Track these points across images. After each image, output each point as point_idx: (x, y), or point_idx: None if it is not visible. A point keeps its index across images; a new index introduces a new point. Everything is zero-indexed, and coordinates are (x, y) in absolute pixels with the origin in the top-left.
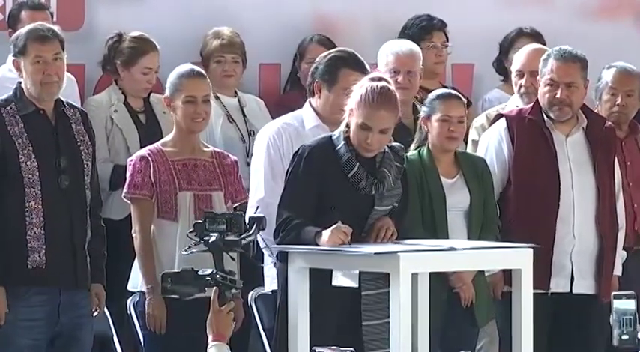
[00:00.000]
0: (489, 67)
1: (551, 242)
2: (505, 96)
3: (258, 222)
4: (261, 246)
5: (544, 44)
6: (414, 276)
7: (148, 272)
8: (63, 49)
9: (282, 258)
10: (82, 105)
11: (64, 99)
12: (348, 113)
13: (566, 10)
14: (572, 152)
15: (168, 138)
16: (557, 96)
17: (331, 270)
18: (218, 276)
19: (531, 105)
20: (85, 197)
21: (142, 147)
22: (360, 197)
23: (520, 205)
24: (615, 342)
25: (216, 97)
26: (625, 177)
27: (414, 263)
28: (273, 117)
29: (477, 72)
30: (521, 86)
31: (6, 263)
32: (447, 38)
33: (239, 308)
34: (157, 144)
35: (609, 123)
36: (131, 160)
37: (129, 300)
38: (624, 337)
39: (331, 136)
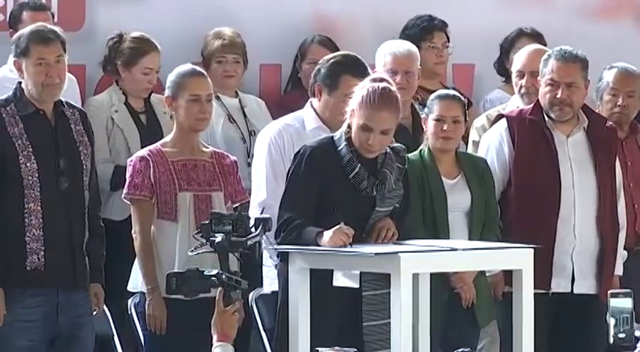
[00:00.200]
0: (490, 67)
1: (552, 242)
2: (506, 96)
3: (264, 223)
4: (264, 246)
5: (544, 44)
6: (415, 277)
7: (148, 272)
8: (64, 51)
9: (282, 258)
10: (82, 105)
11: (63, 100)
12: (349, 114)
13: (567, 10)
14: (573, 152)
15: (167, 138)
16: (558, 96)
17: (332, 271)
18: (224, 277)
19: (532, 105)
20: (83, 198)
21: (142, 147)
22: (361, 198)
23: (521, 205)
24: (612, 340)
25: (217, 97)
26: (625, 177)
27: (415, 263)
28: (273, 118)
29: (477, 72)
30: (521, 86)
31: (3, 265)
32: (448, 38)
33: (239, 309)
34: (157, 145)
35: (610, 123)
36: (131, 161)
37: (129, 301)
38: (621, 335)
39: (332, 137)
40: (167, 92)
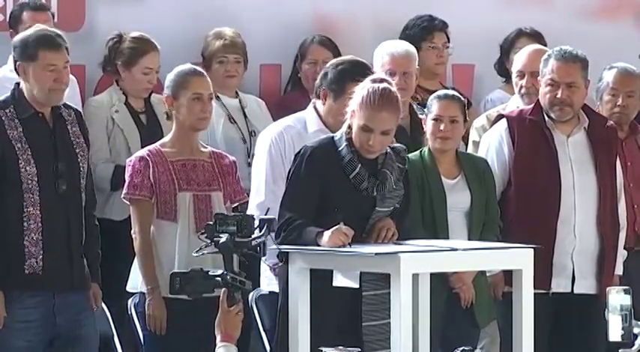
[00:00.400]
0: (490, 67)
1: (552, 242)
2: (507, 96)
3: (269, 224)
4: (268, 247)
5: (544, 44)
6: (415, 277)
7: (147, 272)
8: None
9: (282, 258)
10: (82, 105)
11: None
12: (349, 114)
13: (567, 10)
14: (573, 152)
15: (166, 138)
16: (558, 96)
17: (332, 271)
18: (228, 277)
19: (532, 105)
20: (80, 200)
21: (143, 147)
22: (362, 198)
23: (521, 205)
24: (610, 338)
25: (217, 98)
26: (625, 177)
27: (415, 263)
28: (274, 118)
29: (477, 72)
30: (521, 87)
31: (4, 267)
32: (448, 39)
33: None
34: (156, 145)
35: (611, 122)
36: (130, 161)
37: (129, 301)
38: (619, 332)
39: (333, 137)
40: (167, 91)
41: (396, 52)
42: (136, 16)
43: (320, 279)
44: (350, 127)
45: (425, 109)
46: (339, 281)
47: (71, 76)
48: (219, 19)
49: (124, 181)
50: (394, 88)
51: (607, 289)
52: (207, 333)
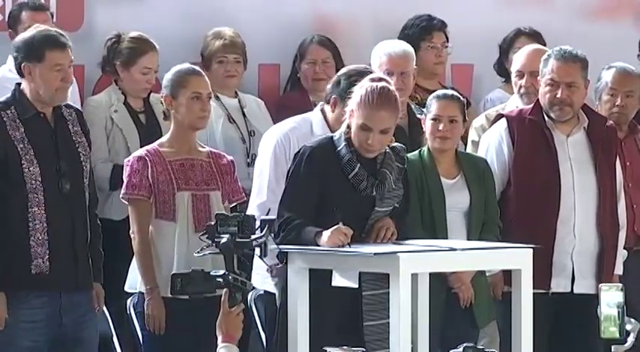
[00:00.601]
0: (489, 67)
1: (551, 242)
2: (507, 96)
3: (270, 224)
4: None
5: (543, 44)
6: (414, 277)
7: (146, 272)
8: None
9: (282, 258)
10: (81, 105)
11: None
12: (348, 114)
13: (566, 10)
14: (573, 152)
15: (164, 138)
16: (558, 96)
17: (331, 270)
18: (230, 278)
19: (532, 105)
20: (84, 199)
21: (142, 147)
22: (361, 198)
23: (520, 205)
24: (603, 335)
25: (217, 98)
26: (624, 177)
27: (414, 263)
28: (273, 118)
29: (476, 72)
30: (521, 86)
31: (8, 268)
32: (447, 39)
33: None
34: (154, 145)
35: (611, 122)
36: (128, 161)
37: (128, 301)
38: (612, 329)
39: (332, 137)
40: (165, 91)
41: (393, 52)
42: (135, 16)
43: (320, 279)
44: (349, 127)
45: (424, 109)
46: (338, 281)
47: None
48: (218, 19)
49: (123, 181)
50: (393, 87)
51: (599, 286)
52: (207, 333)
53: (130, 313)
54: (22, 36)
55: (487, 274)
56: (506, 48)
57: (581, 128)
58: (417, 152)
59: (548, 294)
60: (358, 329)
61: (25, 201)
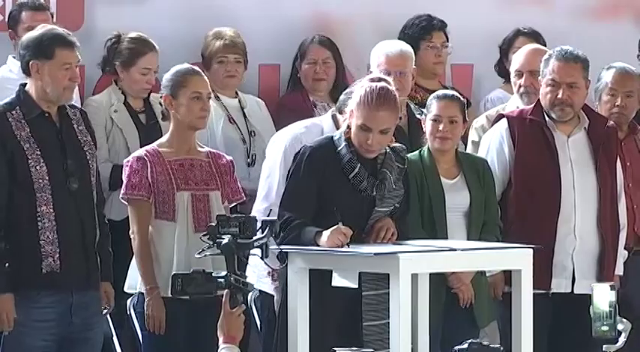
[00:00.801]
0: (489, 67)
1: (552, 242)
2: (508, 96)
3: (271, 225)
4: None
5: (542, 43)
6: (414, 277)
7: (146, 272)
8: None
9: (282, 259)
10: (81, 105)
11: None
12: (348, 114)
13: (566, 10)
14: (573, 152)
15: (164, 138)
16: (559, 96)
17: (331, 271)
18: (232, 279)
19: (533, 105)
20: (92, 198)
21: (142, 147)
22: (361, 198)
23: (521, 206)
24: (594, 334)
25: (217, 98)
26: (625, 177)
27: (414, 263)
28: (273, 118)
29: (476, 72)
30: (520, 86)
31: (18, 268)
32: (447, 38)
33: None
34: (153, 145)
35: (611, 123)
36: (127, 161)
37: (128, 301)
38: (604, 328)
39: (332, 137)
40: (165, 91)
41: (390, 52)
42: (136, 16)
43: (320, 279)
44: (349, 127)
45: (423, 109)
46: (338, 281)
47: None
48: (218, 20)
49: (122, 181)
50: (392, 87)
51: (592, 285)
52: (207, 333)
53: (130, 313)
54: (31, 34)
55: (487, 274)
56: (506, 48)
57: (581, 128)
58: (417, 152)
59: (549, 294)
60: (358, 329)
61: (33, 200)
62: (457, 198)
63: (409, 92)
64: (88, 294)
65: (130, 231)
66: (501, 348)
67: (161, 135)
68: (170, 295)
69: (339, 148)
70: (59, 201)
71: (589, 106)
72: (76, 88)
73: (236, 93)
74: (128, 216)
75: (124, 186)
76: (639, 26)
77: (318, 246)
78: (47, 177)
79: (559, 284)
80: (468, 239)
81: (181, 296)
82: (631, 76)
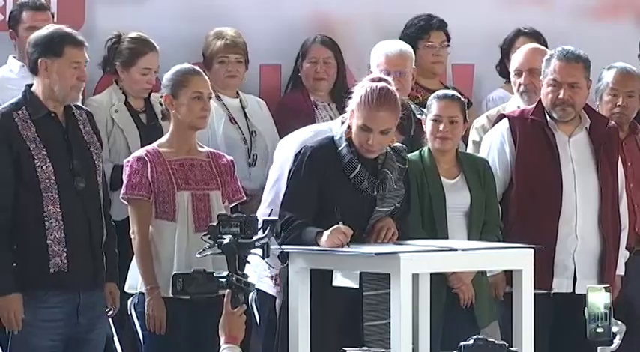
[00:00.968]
0: (490, 67)
1: (553, 242)
2: (509, 95)
3: (272, 225)
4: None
5: (543, 43)
6: (415, 277)
7: (147, 272)
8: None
9: (283, 258)
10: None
11: None
12: (349, 114)
13: (566, 10)
14: (574, 152)
15: (164, 138)
16: (560, 96)
17: (332, 271)
18: (234, 279)
19: (534, 105)
20: (99, 197)
21: (142, 147)
22: (362, 198)
23: (522, 205)
24: (589, 336)
25: (218, 98)
26: (626, 177)
27: (415, 263)
28: (274, 118)
29: (477, 72)
30: (520, 85)
31: (25, 268)
32: (449, 38)
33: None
34: (154, 145)
35: (612, 123)
36: (128, 161)
37: (129, 301)
38: (599, 330)
39: (333, 137)
40: (165, 90)
41: (390, 52)
42: (136, 16)
43: (321, 279)
44: (350, 127)
45: (424, 109)
46: (339, 281)
47: None
48: (218, 20)
49: (123, 181)
50: (392, 87)
51: (587, 287)
52: (208, 333)
53: (131, 313)
54: (40, 32)
55: (488, 274)
56: (507, 49)
57: (583, 128)
58: (417, 152)
59: (550, 294)
60: (359, 329)
61: (40, 200)
62: (457, 198)
63: (410, 92)
64: (94, 294)
65: (131, 231)
66: (506, 344)
67: (162, 135)
68: (171, 295)
69: (339, 148)
70: (66, 200)
71: (590, 106)
72: None
73: (237, 93)
74: (128, 216)
75: (124, 186)
76: (639, 26)
77: (319, 246)
78: (54, 177)
79: (560, 284)
80: (469, 239)
81: (182, 296)
82: (632, 76)
